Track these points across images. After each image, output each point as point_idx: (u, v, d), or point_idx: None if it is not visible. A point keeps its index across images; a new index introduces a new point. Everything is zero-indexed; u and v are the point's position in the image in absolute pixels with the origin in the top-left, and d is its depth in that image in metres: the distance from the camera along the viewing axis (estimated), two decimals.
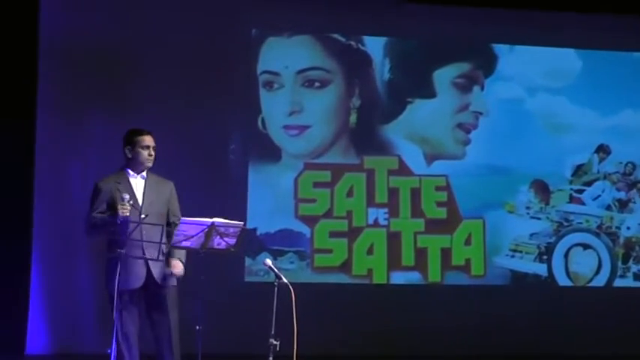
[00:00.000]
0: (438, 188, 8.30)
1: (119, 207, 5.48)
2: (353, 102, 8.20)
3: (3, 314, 7.33)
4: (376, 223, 8.19)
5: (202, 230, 5.37)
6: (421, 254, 8.25)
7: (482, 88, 8.42)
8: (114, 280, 5.38)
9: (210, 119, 7.83)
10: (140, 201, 5.68)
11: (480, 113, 8.41)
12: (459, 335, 7.99)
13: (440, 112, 8.33)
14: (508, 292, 8.30)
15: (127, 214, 5.44)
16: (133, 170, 5.72)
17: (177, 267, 5.65)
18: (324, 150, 8.16)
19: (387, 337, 7.90)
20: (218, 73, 7.87)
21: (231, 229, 5.46)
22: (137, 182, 5.73)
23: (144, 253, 5.52)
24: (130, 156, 5.70)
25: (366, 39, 8.26)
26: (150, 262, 5.57)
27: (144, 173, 5.76)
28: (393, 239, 8.21)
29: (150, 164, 5.72)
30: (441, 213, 8.29)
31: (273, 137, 8.09)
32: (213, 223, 5.40)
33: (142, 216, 5.56)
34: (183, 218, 5.46)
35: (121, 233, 5.43)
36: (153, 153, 5.70)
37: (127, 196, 5.49)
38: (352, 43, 8.22)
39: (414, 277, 8.23)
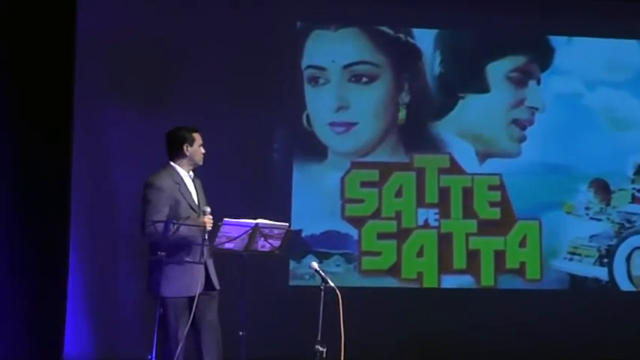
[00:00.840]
0: (491, 187, 8.26)
1: (204, 219, 5.47)
2: (402, 97, 8.18)
3: (40, 319, 7.40)
4: (426, 225, 8.17)
5: (246, 232, 5.41)
6: (473, 257, 8.21)
7: (539, 83, 8.37)
8: (170, 286, 5.40)
9: (253, 116, 7.83)
10: (196, 201, 5.71)
11: (536, 109, 8.35)
12: (513, 342, 7.93)
13: (493, 108, 8.29)
14: (566, 297, 8.22)
15: (210, 228, 5.45)
16: (182, 168, 5.73)
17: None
18: (372, 148, 8.14)
19: (437, 343, 7.86)
20: (261, 68, 7.88)
21: (276, 231, 5.51)
22: (189, 182, 5.75)
23: (202, 256, 5.52)
24: (187, 153, 5.72)
25: (416, 31, 8.23)
26: (209, 265, 5.61)
27: (191, 172, 5.79)
28: (444, 241, 8.18)
29: (201, 163, 5.77)
30: (495, 214, 8.25)
31: (318, 135, 8.09)
32: (257, 225, 5.44)
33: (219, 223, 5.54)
34: (226, 219, 5.47)
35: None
36: (204, 150, 5.78)
37: (208, 209, 5.51)
38: (401, 35, 8.20)
39: (466, 281, 8.19)
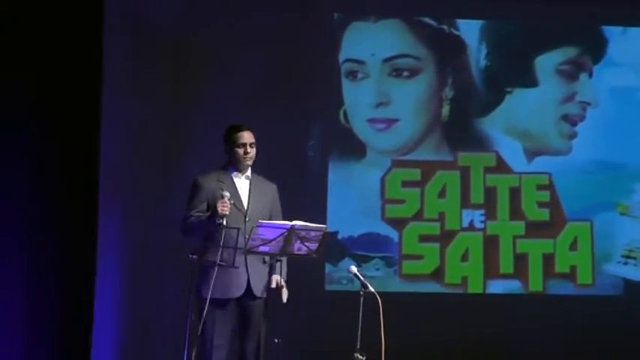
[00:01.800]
0: (540, 187, 8.22)
1: (218, 204, 5.52)
2: (445, 93, 8.15)
3: (67, 325, 7.47)
4: (471, 227, 8.14)
5: (281, 234, 5.41)
6: (521, 260, 8.17)
7: (591, 76, 8.31)
8: (208, 288, 5.44)
9: (287, 112, 7.85)
10: (245, 204, 5.75)
11: (588, 103, 8.29)
12: (562, 350, 7.89)
13: (542, 103, 8.23)
14: (620, 304, 8.15)
15: (227, 212, 5.48)
16: (236, 170, 5.82)
17: (281, 286, 5.70)
18: (414, 146, 8.12)
19: (482, 351, 7.82)
20: (296, 61, 7.88)
21: (313, 233, 5.50)
22: (241, 183, 5.84)
23: (245, 261, 5.57)
24: (228, 155, 5.82)
25: (460, 22, 8.19)
26: (250, 270, 5.63)
27: (248, 173, 5.86)
28: (490, 244, 8.15)
29: (248, 163, 5.82)
30: (544, 215, 8.21)
31: (356, 132, 8.09)
32: (293, 226, 5.44)
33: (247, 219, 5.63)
34: (260, 221, 5.51)
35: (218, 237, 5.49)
36: (250, 151, 5.80)
37: (227, 194, 5.56)
38: (445, 27, 8.16)
39: (513, 286, 8.16)
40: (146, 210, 7.51)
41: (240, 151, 5.79)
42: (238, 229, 5.54)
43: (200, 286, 5.55)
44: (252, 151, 5.82)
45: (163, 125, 7.73)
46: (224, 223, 5.51)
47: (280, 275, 5.71)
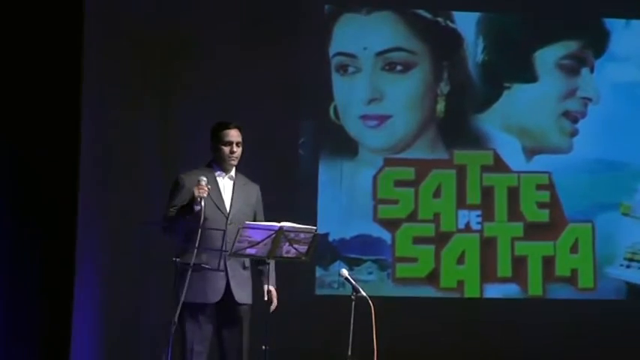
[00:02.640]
0: (539, 187, 8.24)
1: (195, 189, 5.49)
2: (441, 88, 8.16)
3: (45, 329, 7.50)
4: (468, 228, 8.15)
5: (269, 236, 5.37)
6: (520, 264, 8.18)
7: (592, 71, 8.33)
8: (187, 292, 5.40)
9: (275, 109, 7.84)
10: (228, 205, 5.73)
11: (590, 99, 8.31)
12: (563, 357, 7.89)
13: (542, 99, 8.26)
14: (623, 308, 8.17)
15: (205, 194, 5.46)
16: (220, 169, 5.80)
17: (275, 297, 5.70)
18: (408, 143, 8.13)
19: (480, 358, 7.83)
20: (284, 55, 7.87)
21: (302, 235, 5.47)
22: (225, 183, 5.82)
23: (225, 265, 5.56)
24: (213, 152, 5.80)
25: (457, 14, 8.21)
26: (230, 274, 5.61)
27: (232, 173, 5.84)
28: (488, 246, 8.16)
29: (233, 162, 5.80)
30: (543, 216, 8.23)
31: (348, 129, 8.09)
32: (281, 228, 5.40)
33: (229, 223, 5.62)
34: (247, 222, 5.48)
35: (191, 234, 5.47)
36: (236, 150, 5.78)
37: (204, 178, 5.52)
38: (440, 19, 8.18)
39: (511, 291, 8.16)
40: (127, 210, 7.48)
41: (226, 149, 5.77)
42: (224, 230, 5.52)
43: (178, 290, 5.51)
44: (238, 151, 5.80)
45: (146, 125, 7.73)
46: (203, 206, 5.47)
47: (269, 283, 5.68)
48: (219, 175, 5.81)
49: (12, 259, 7.46)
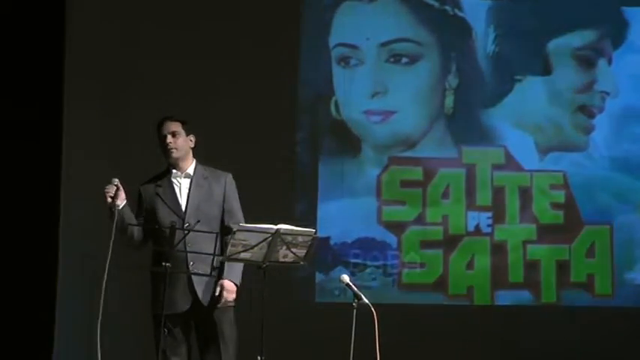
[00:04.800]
0: (553, 187, 8.24)
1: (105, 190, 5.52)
2: (449, 81, 8.17)
3: (27, 339, 7.56)
4: (477, 231, 8.16)
5: (265, 239, 5.32)
6: (532, 269, 8.18)
7: (610, 62, 8.33)
8: (156, 302, 5.43)
9: (271, 104, 7.85)
10: (183, 206, 5.69)
11: (607, 93, 8.31)
12: None
13: (556, 93, 8.26)
14: None
15: (111, 195, 5.47)
16: (175, 168, 5.77)
17: (230, 291, 5.63)
18: (414, 141, 8.15)
19: None
20: (281, 46, 7.90)
21: (300, 238, 5.43)
22: (182, 182, 5.77)
23: (187, 268, 5.53)
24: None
25: (465, 3, 8.23)
26: (194, 279, 5.58)
27: (190, 170, 5.77)
28: (498, 250, 8.16)
29: (174, 154, 5.72)
30: (558, 217, 8.23)
31: (349, 125, 8.12)
32: (277, 231, 5.35)
33: (186, 224, 5.58)
34: (241, 224, 5.44)
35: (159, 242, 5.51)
36: (171, 140, 5.71)
37: (115, 179, 5.53)
38: (448, 8, 8.19)
39: (523, 297, 8.16)
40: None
41: (163, 144, 5.74)
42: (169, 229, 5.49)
43: (152, 299, 5.60)
44: (174, 141, 5.72)
45: (131, 128, 7.75)
46: (119, 208, 5.49)
47: (224, 277, 5.64)
48: (175, 176, 5.76)
49: None
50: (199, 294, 5.60)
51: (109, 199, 5.49)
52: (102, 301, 5.31)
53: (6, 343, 7.50)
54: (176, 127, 5.75)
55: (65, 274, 7.68)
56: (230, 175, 5.87)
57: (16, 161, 7.63)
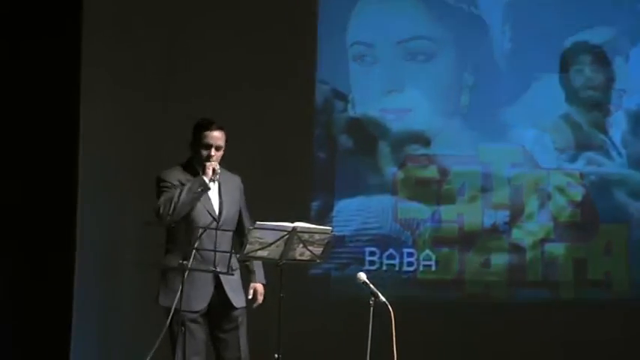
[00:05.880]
0: (570, 185, 8.22)
1: (207, 166, 5.47)
2: (465, 78, 8.16)
3: (44, 339, 7.62)
4: (494, 229, 8.15)
5: (281, 237, 5.35)
6: (550, 266, 8.17)
7: (628, 60, 8.28)
8: (173, 299, 5.38)
9: (288, 101, 7.86)
10: (216, 208, 5.67)
11: (624, 91, 8.27)
12: None
13: (573, 91, 8.22)
14: None
15: (217, 177, 5.47)
16: (201, 169, 5.62)
17: (262, 294, 5.72)
18: (430, 138, 8.14)
19: None
20: (298, 45, 7.91)
21: (317, 236, 5.46)
22: (211, 184, 5.64)
23: (215, 266, 5.48)
24: (191, 151, 5.68)
25: (481, 0, 8.19)
26: (222, 277, 5.56)
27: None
28: (516, 249, 8.16)
29: (208, 169, 5.57)
30: (575, 215, 8.21)
31: (365, 123, 8.11)
32: (294, 229, 5.38)
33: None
34: (258, 222, 5.42)
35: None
36: (214, 154, 5.61)
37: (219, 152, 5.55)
38: (464, 5, 8.16)
39: (541, 295, 8.15)
40: (128, 209, 7.61)
41: (204, 153, 5.61)
42: (234, 231, 5.56)
43: (167, 296, 5.52)
44: (216, 155, 5.62)
45: (147, 122, 7.80)
46: (210, 183, 5.48)
47: (256, 280, 5.72)
48: (202, 175, 5.59)
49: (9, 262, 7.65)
50: (228, 293, 5.60)
51: (210, 172, 5.46)
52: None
53: (23, 341, 7.60)
54: (222, 140, 5.65)
55: (81, 273, 7.75)
56: (240, 179, 5.85)
57: (34, 153, 7.69)
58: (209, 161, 5.57)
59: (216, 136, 5.65)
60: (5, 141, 7.67)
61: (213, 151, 5.61)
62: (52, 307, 7.60)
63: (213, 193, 5.67)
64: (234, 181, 5.83)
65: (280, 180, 7.74)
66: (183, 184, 5.56)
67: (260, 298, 5.74)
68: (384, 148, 8.11)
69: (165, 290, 5.58)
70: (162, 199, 5.52)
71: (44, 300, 7.58)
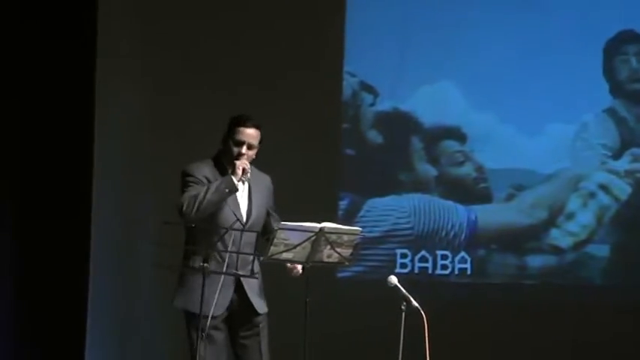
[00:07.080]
0: (615, 183, 8.17)
1: (237, 165, 5.41)
2: (503, 70, 8.10)
3: (58, 337, 7.72)
4: (533, 229, 8.15)
5: (308, 238, 5.30)
6: (592, 269, 8.17)
7: None
8: (194, 302, 5.36)
9: (313, 95, 7.88)
10: (244, 211, 5.61)
11: None
12: None
13: (618, 83, 8.17)
14: None
15: (248, 175, 5.41)
16: (230, 166, 5.54)
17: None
18: (466, 133, 8.12)
19: None
20: (324, 35, 7.94)
21: (346, 237, 5.40)
22: (240, 185, 5.55)
23: (236, 269, 5.45)
24: (222, 145, 5.60)
25: None
26: (244, 282, 5.54)
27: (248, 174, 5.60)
28: (555, 250, 8.16)
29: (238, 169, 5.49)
30: (620, 215, 8.16)
31: (396, 117, 8.12)
32: (322, 230, 5.33)
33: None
34: (283, 223, 5.37)
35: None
36: (245, 152, 5.52)
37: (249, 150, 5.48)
38: None
39: (582, 299, 8.09)
40: (143, 208, 7.71)
41: (235, 149, 5.53)
42: (257, 233, 5.49)
43: (186, 299, 5.50)
44: (248, 154, 5.54)
45: (165, 119, 7.86)
46: (238, 184, 5.40)
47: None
48: (231, 174, 5.52)
49: (22, 260, 7.79)
50: (253, 300, 5.58)
51: (240, 172, 5.40)
52: None
53: (38, 340, 7.69)
54: (256, 139, 5.58)
55: (96, 273, 7.83)
56: (269, 178, 5.78)
57: (49, 152, 7.78)
58: (239, 159, 5.49)
59: (250, 134, 5.57)
60: (20, 139, 7.79)
61: (244, 149, 5.53)
62: (66, 308, 7.70)
63: (242, 195, 5.60)
64: (265, 182, 5.77)
65: (306, 178, 7.77)
66: (209, 181, 5.50)
67: (299, 269, 5.55)
68: (416, 143, 8.10)
69: (183, 292, 5.56)
70: (186, 195, 5.46)
71: (58, 301, 7.68)
